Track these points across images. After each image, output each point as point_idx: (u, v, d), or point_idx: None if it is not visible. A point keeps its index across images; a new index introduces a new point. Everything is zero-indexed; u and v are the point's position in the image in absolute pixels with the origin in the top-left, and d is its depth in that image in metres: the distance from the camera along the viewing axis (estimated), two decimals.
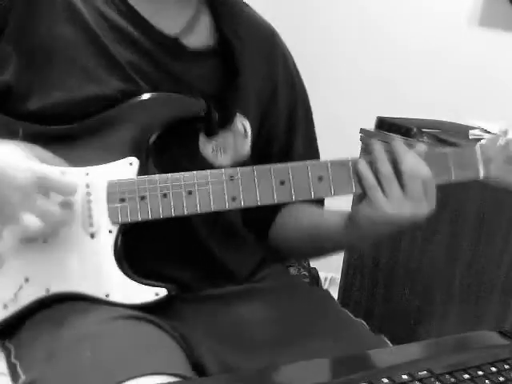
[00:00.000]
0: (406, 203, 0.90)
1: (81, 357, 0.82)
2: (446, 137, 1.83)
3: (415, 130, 1.84)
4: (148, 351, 0.84)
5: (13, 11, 0.93)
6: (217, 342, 0.96)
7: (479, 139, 1.74)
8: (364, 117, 1.92)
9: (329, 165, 0.93)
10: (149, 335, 0.88)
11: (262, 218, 1.10)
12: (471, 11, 2.21)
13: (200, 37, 1.03)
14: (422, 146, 0.94)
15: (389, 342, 1.03)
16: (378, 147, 0.92)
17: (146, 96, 0.95)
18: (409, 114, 1.98)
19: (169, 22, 1.00)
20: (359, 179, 0.92)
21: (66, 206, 0.88)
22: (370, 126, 1.93)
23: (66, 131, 0.94)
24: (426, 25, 2.31)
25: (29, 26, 0.94)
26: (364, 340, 1.02)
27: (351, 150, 1.95)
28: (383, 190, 0.91)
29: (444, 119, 2.05)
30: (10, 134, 0.92)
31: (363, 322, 1.08)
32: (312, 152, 1.15)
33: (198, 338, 0.95)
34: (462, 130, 1.89)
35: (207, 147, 1.01)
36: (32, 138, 0.92)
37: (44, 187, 0.85)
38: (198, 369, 0.91)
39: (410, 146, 0.93)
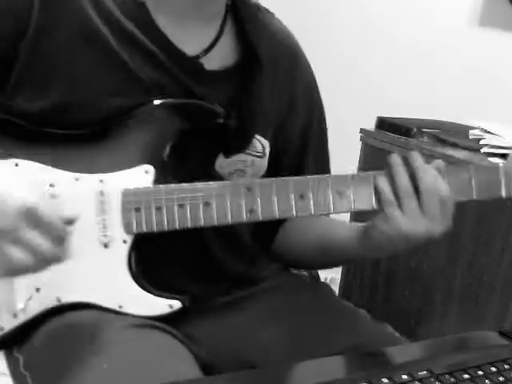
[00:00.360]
0: (421, 220, 0.88)
1: (97, 370, 0.81)
2: (445, 137, 1.83)
3: (415, 129, 1.84)
4: (162, 361, 0.83)
5: (26, 38, 0.90)
6: (232, 342, 0.97)
7: (479, 139, 1.75)
8: (364, 117, 1.92)
9: (350, 179, 0.90)
10: (163, 344, 0.87)
11: (267, 228, 1.09)
12: (471, 11, 2.21)
13: (221, 57, 1.00)
14: (441, 162, 0.91)
15: (393, 330, 1.04)
16: (396, 161, 0.89)
17: (162, 102, 0.92)
18: (409, 114, 1.98)
19: (191, 41, 0.97)
20: (377, 194, 0.89)
21: (60, 240, 0.82)
22: (370, 126, 1.93)
23: (81, 136, 0.92)
24: (426, 25, 2.31)
25: (45, 47, 0.91)
26: (369, 328, 1.02)
27: (351, 150, 1.96)
28: (400, 206, 0.88)
29: (444, 119, 2.06)
30: (26, 140, 0.91)
31: (365, 312, 1.09)
32: (323, 171, 1.12)
33: (212, 341, 0.96)
34: (462, 130, 1.89)
35: (226, 169, 0.99)
36: (47, 143, 0.91)
37: (33, 219, 0.80)
38: (213, 373, 0.91)
39: (429, 161, 0.90)
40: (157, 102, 0.92)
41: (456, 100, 2.20)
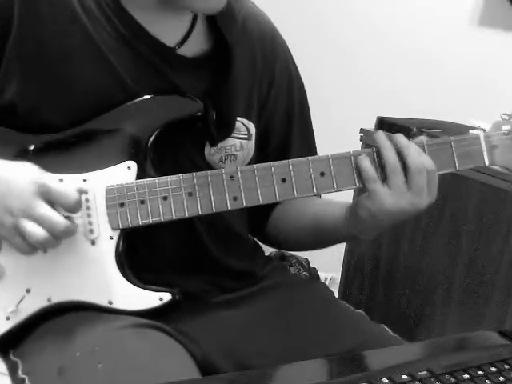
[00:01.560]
0: (406, 195, 0.90)
1: (93, 370, 0.81)
2: None
3: (415, 130, 1.84)
4: (158, 360, 0.84)
5: (14, 24, 0.91)
6: (228, 342, 0.97)
7: None
8: (364, 117, 1.92)
9: (330, 160, 0.91)
10: (158, 343, 0.88)
11: (259, 212, 1.09)
12: (471, 11, 2.21)
13: (196, 44, 1.01)
14: (423, 138, 0.93)
15: (390, 332, 1.04)
16: (382, 137, 0.91)
17: (141, 99, 0.94)
18: (409, 114, 1.98)
19: (167, 32, 0.98)
20: (359, 172, 0.91)
21: (75, 207, 0.86)
22: (370, 126, 1.93)
23: (62, 138, 0.93)
24: (427, 25, 2.31)
25: (32, 37, 0.92)
26: (366, 329, 1.02)
27: (351, 150, 1.95)
28: (387, 182, 0.90)
29: (444, 119, 2.05)
30: (10, 146, 0.91)
31: (363, 313, 1.09)
32: (310, 149, 1.15)
33: (208, 341, 0.95)
34: (461, 130, 1.89)
35: (215, 155, 1.00)
36: (28, 147, 0.91)
37: (47, 196, 0.84)
38: (209, 372, 0.91)
39: (410, 139, 0.92)
40: (134, 100, 0.93)
41: (456, 100, 2.20)
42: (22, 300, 0.91)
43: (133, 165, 0.92)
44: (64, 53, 0.93)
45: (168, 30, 0.99)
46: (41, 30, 0.92)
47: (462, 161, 0.93)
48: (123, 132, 0.93)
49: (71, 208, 0.86)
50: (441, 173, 0.92)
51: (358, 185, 0.92)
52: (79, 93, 0.93)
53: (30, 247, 0.85)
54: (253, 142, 1.05)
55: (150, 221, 0.90)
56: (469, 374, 0.76)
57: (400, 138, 0.92)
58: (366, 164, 0.90)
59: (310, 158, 0.92)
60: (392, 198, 0.90)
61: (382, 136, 0.92)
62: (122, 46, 0.95)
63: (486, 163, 0.93)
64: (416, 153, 0.90)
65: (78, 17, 0.94)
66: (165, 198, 0.90)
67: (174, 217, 0.90)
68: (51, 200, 0.85)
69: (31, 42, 0.92)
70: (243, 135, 1.03)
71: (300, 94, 1.14)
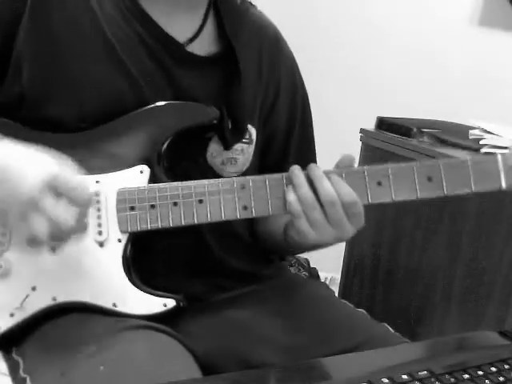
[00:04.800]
0: (328, 229, 0.88)
1: (95, 372, 0.81)
2: (446, 137, 1.83)
3: (415, 129, 1.84)
4: (160, 361, 0.84)
5: (26, 15, 0.91)
6: (230, 341, 0.97)
7: (479, 139, 1.75)
8: (364, 117, 1.92)
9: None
10: (160, 344, 0.88)
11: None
12: (471, 11, 2.21)
13: (206, 44, 1.02)
14: (350, 157, 0.90)
15: (392, 330, 1.04)
16: (296, 172, 0.88)
17: (158, 104, 0.94)
18: (409, 114, 1.98)
19: (178, 29, 0.99)
20: (287, 205, 0.89)
21: (84, 205, 0.83)
22: (370, 126, 1.93)
23: (77, 138, 0.92)
24: (426, 25, 2.31)
25: (45, 30, 0.92)
26: (368, 328, 1.02)
27: (351, 150, 1.95)
28: (307, 217, 0.88)
29: (444, 119, 2.06)
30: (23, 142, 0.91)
31: (364, 311, 1.09)
32: (308, 156, 1.14)
33: (209, 340, 0.96)
34: (461, 130, 1.89)
35: (217, 158, 1.00)
36: (42, 146, 0.91)
37: (58, 188, 0.81)
38: (210, 371, 0.91)
39: (338, 168, 0.89)
40: (152, 105, 0.93)
41: (456, 100, 2.20)
42: (27, 297, 0.91)
43: (146, 169, 0.92)
44: (75, 50, 0.93)
45: (179, 27, 0.99)
46: (52, 24, 0.92)
47: (479, 181, 0.90)
48: (138, 136, 0.93)
49: (81, 204, 0.83)
50: (456, 193, 0.89)
51: (368, 202, 0.89)
52: (88, 90, 0.93)
53: (35, 241, 0.83)
54: (253, 146, 1.05)
55: (159, 226, 0.90)
56: (469, 374, 0.76)
57: (313, 169, 0.88)
58: (292, 198, 0.88)
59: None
60: (314, 233, 0.88)
61: (295, 171, 0.89)
62: (136, 43, 0.95)
63: (503, 185, 0.90)
64: (327, 186, 0.87)
65: (94, 15, 0.94)
66: (175, 204, 0.90)
67: (183, 223, 0.90)
68: (62, 193, 0.82)
69: (42, 36, 0.92)
70: (246, 139, 1.03)
71: (303, 103, 1.14)
